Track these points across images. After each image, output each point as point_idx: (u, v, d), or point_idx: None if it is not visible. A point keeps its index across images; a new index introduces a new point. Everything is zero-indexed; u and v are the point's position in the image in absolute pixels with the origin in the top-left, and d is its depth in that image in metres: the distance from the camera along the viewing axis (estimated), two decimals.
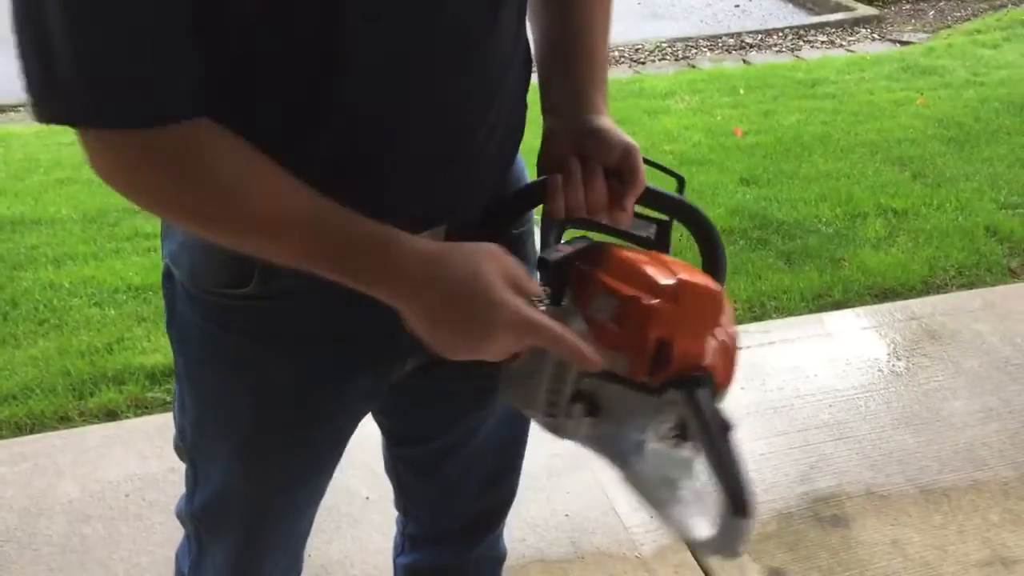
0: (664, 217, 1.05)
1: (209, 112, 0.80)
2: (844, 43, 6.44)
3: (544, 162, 1.01)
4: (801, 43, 6.48)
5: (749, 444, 2.32)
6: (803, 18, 6.96)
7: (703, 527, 0.86)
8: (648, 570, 1.98)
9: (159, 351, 2.66)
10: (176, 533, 2.01)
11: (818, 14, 7.06)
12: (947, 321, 2.82)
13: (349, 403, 1.09)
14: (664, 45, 6.48)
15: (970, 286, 3.07)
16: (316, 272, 0.84)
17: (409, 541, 1.45)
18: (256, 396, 1.04)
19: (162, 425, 2.38)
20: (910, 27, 6.78)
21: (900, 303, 2.95)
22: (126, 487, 2.18)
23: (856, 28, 6.76)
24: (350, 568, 1.97)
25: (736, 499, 0.81)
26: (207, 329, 1.01)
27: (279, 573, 1.26)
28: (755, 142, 4.27)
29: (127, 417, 2.44)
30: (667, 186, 1.05)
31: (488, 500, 1.35)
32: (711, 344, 0.88)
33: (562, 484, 2.18)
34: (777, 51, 6.33)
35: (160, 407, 2.48)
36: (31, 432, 2.39)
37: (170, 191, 0.81)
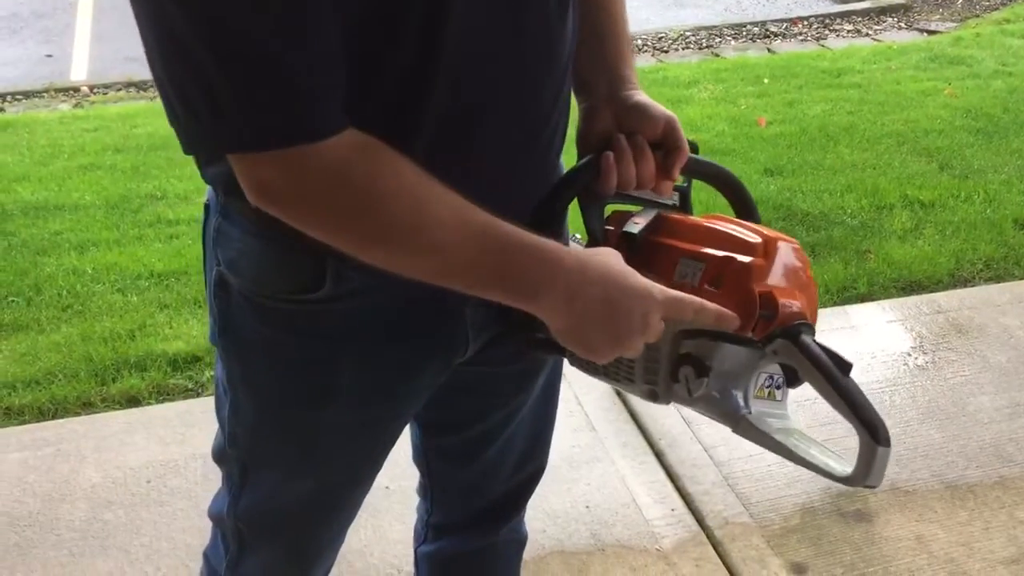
0: (681, 183, 1.08)
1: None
2: (871, 32, 6.37)
3: (586, 140, 1.02)
4: (827, 32, 6.41)
5: None
6: (829, 7, 6.88)
7: (835, 464, 0.92)
8: (668, 563, 1.96)
9: (181, 338, 2.67)
10: (199, 520, 2.04)
11: (845, 3, 6.99)
12: (974, 315, 2.79)
13: (412, 399, 1.09)
14: (688, 34, 6.43)
15: (998, 280, 3.02)
16: (476, 289, 0.87)
17: (432, 530, 1.44)
18: (321, 399, 1.03)
19: (184, 412, 2.39)
20: (938, 16, 6.69)
21: (926, 296, 2.92)
22: (147, 473, 2.19)
23: (883, 17, 6.68)
24: (369, 557, 1.97)
25: (874, 429, 0.86)
26: (272, 335, 1.00)
27: (325, 567, 1.26)
28: (779, 132, 4.23)
29: (149, 403, 2.45)
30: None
31: (518, 478, 1.35)
32: (802, 295, 0.92)
33: (582, 475, 2.17)
34: (802, 40, 6.27)
35: (181, 394, 2.48)
36: (54, 417, 2.40)
37: (367, 205, 0.80)
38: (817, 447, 0.95)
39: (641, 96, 1.02)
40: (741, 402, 0.95)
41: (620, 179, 0.98)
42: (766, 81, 5.03)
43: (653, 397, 0.99)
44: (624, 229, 1.03)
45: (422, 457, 1.36)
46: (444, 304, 0.97)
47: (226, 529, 1.22)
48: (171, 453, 2.24)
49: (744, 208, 1.09)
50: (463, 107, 0.88)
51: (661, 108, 1.01)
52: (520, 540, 1.50)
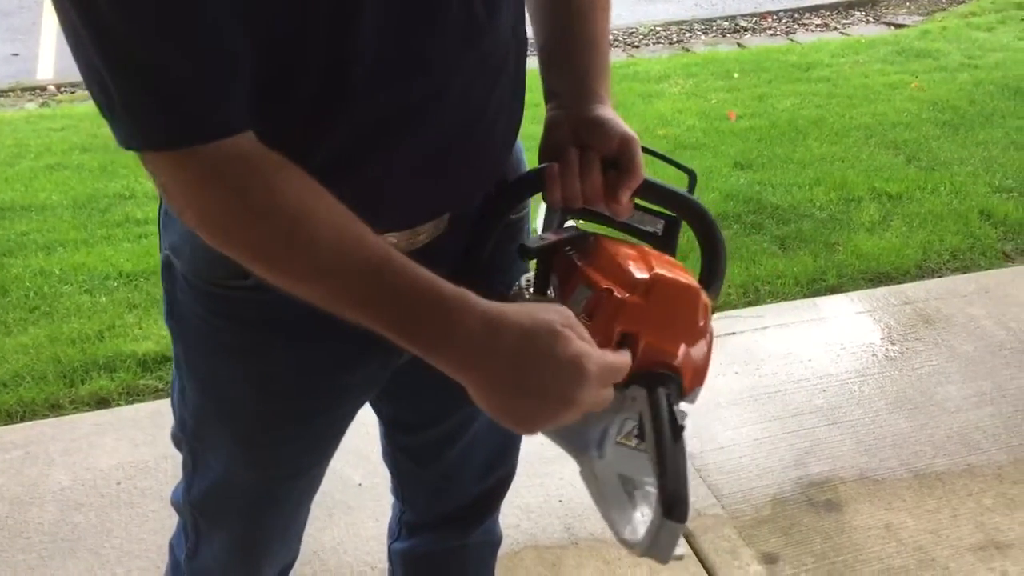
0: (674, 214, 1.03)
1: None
2: (839, 26, 6.42)
3: (544, 150, 1.01)
4: (796, 26, 6.46)
5: (743, 429, 2.31)
6: (798, 1, 6.93)
7: (640, 529, 0.85)
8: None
9: (150, 338, 2.65)
10: (169, 521, 2.01)
11: None
12: (941, 305, 2.82)
13: (351, 393, 1.09)
14: (658, 28, 6.45)
15: (964, 270, 3.06)
16: (375, 328, 0.81)
17: (405, 528, 1.44)
18: (258, 386, 1.03)
19: (154, 412, 2.37)
20: (905, 10, 6.76)
21: (894, 287, 2.94)
22: (118, 475, 2.17)
23: (851, 11, 6.74)
24: (343, 555, 1.96)
25: (670, 502, 0.78)
26: (209, 320, 1.00)
27: (278, 560, 1.26)
28: (749, 126, 4.26)
29: (118, 405, 2.42)
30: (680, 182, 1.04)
31: (486, 483, 1.35)
32: (682, 344, 0.86)
33: (555, 470, 2.18)
34: (771, 34, 6.31)
35: (152, 394, 2.46)
36: (22, 420, 2.37)
37: (233, 217, 0.78)
38: (648, 508, 0.87)
39: (603, 111, 0.99)
40: (594, 444, 0.89)
41: (565, 193, 0.96)
42: (736, 75, 5.05)
43: None
44: (521, 242, 1.00)
45: (388, 455, 1.37)
46: None
47: (185, 517, 1.22)
48: (141, 454, 2.23)
49: (706, 246, 1.02)
50: (381, 109, 0.86)
51: (619, 125, 0.98)
52: (494, 541, 1.50)
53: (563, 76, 1.02)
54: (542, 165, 0.99)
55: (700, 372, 0.88)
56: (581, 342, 0.78)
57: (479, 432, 1.25)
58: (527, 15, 1.02)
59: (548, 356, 0.77)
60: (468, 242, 1.02)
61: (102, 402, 2.44)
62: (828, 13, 6.70)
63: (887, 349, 2.63)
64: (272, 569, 1.27)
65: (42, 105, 5.37)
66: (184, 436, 1.14)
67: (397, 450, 1.34)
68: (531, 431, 0.82)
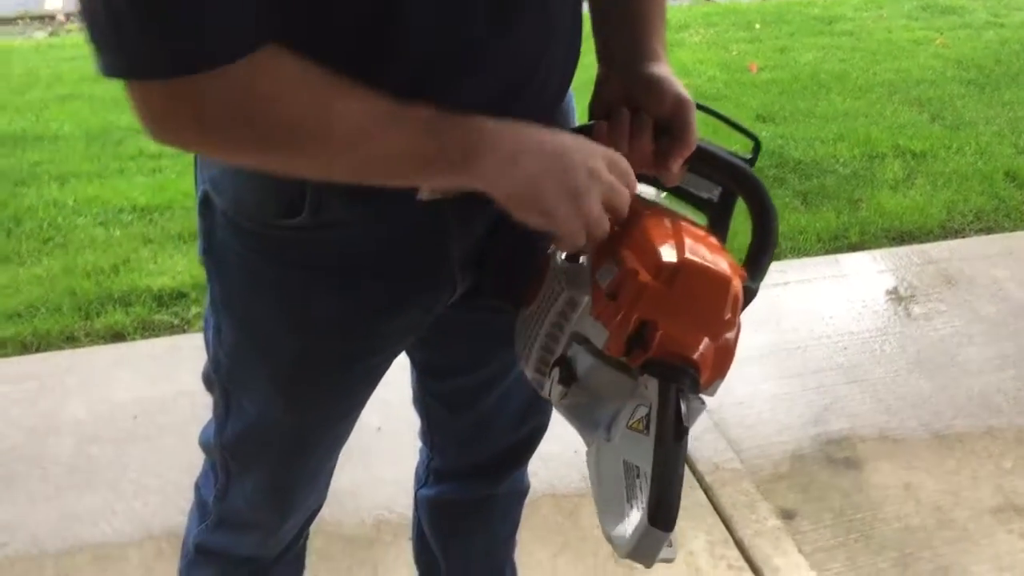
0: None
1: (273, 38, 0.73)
2: None
3: (595, 107, 0.96)
4: None
5: (763, 384, 2.30)
6: None
7: (629, 528, 0.81)
8: None
9: (166, 273, 2.62)
10: (186, 456, 2.00)
11: None
12: (964, 266, 2.79)
13: (392, 338, 1.06)
14: None
15: (988, 231, 3.03)
16: (408, 176, 0.81)
17: (433, 475, 1.43)
18: (299, 328, 1.00)
19: (170, 347, 2.35)
20: None
21: (917, 247, 2.91)
22: (134, 409, 2.16)
23: None
24: (360, 498, 1.96)
25: (656, 508, 0.75)
26: (249, 258, 0.96)
27: (307, 505, 1.25)
28: (771, 78, 4.19)
29: (134, 339, 2.41)
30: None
31: (518, 434, 1.33)
32: (704, 336, 0.82)
33: None
34: None
35: (167, 330, 2.45)
36: (37, 351, 2.36)
37: (254, 130, 0.75)
38: (633, 508, 0.82)
39: (658, 69, 0.93)
40: (603, 425, 0.86)
41: None
42: (757, 27, 4.96)
43: (540, 388, 0.94)
44: None
45: (420, 401, 1.35)
46: (428, 242, 0.94)
47: (215, 458, 1.20)
48: (159, 389, 2.21)
49: (757, 224, 0.96)
50: (437, 42, 0.82)
51: (675, 87, 0.92)
52: (522, 491, 1.48)
53: (616, 31, 0.97)
54: (591, 122, 0.94)
55: (721, 366, 0.83)
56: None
57: (514, 382, 1.23)
58: None
59: (564, 138, 0.84)
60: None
61: (117, 336, 2.42)
62: None
63: (909, 308, 2.61)
64: (301, 514, 1.26)
65: (51, 34, 5.29)
66: (218, 377, 1.11)
67: (429, 396, 1.32)
68: (568, 222, 0.83)
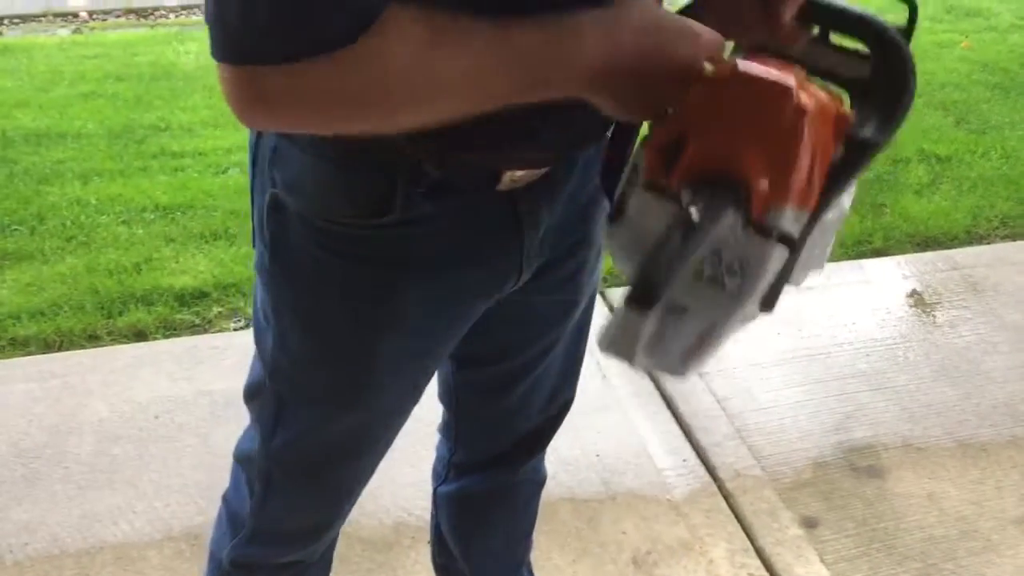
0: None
1: None
2: None
3: None
4: None
5: (785, 391, 2.28)
6: None
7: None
8: (679, 513, 1.96)
9: (187, 273, 2.63)
10: (208, 458, 2.02)
11: None
12: (990, 273, 2.76)
13: (461, 328, 1.06)
14: None
15: (1014, 237, 2.99)
16: (511, 90, 0.74)
17: (454, 469, 1.42)
18: (379, 327, 1.00)
19: (191, 347, 2.36)
20: None
21: (942, 252, 2.89)
22: (156, 408, 2.17)
23: None
24: (380, 500, 1.95)
25: (638, 283, 0.67)
26: (329, 260, 0.95)
27: (352, 504, 1.24)
28: None
29: (156, 339, 2.42)
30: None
31: (546, 416, 1.33)
32: (752, 149, 0.70)
33: (593, 423, 2.16)
34: None
35: (188, 330, 2.45)
36: (60, 350, 2.37)
37: (372, 112, 0.72)
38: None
39: None
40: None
41: (721, 19, 0.84)
42: None
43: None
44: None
45: (451, 393, 1.33)
46: (505, 231, 0.95)
47: (252, 470, 1.19)
48: (179, 389, 2.22)
49: (889, 67, 0.83)
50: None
51: None
52: (539, 481, 1.48)
53: None
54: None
55: (783, 186, 0.70)
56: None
57: (550, 365, 1.23)
58: None
59: (662, 10, 0.77)
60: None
61: (139, 335, 2.43)
62: None
63: (933, 315, 2.58)
64: (344, 515, 1.25)
65: (74, 32, 5.32)
66: (274, 385, 1.09)
67: (464, 386, 1.30)
68: (669, 91, 0.75)
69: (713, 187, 0.69)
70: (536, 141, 0.88)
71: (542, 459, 1.46)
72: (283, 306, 1.02)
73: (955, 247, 2.92)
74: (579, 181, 1.01)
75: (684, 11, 0.88)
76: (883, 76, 0.83)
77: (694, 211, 0.69)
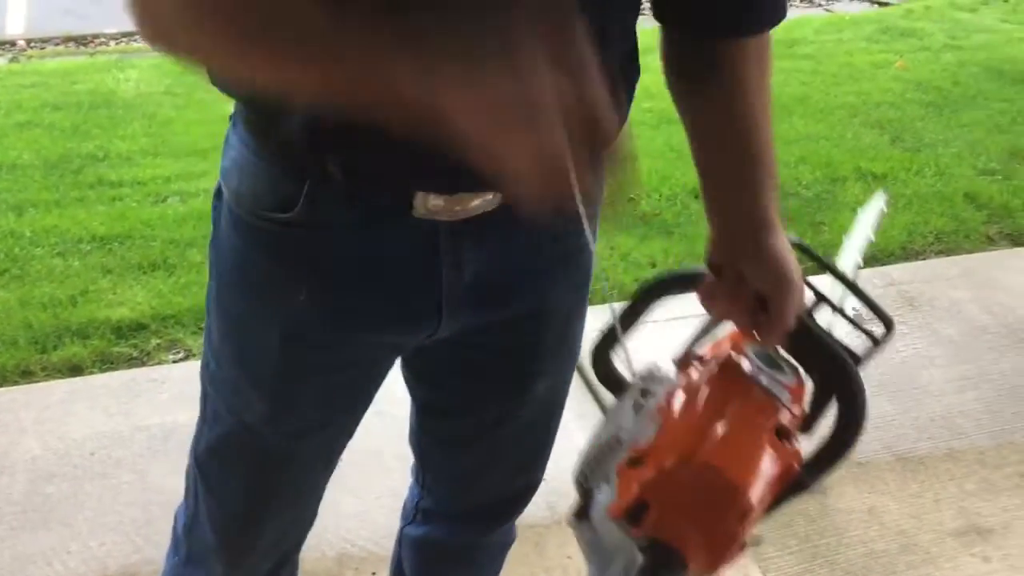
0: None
1: None
2: (823, 2, 6.40)
3: (708, 261, 0.98)
4: None
5: None
6: None
7: None
8: None
9: (125, 304, 2.59)
10: (144, 494, 1.98)
11: None
12: (925, 288, 2.82)
13: (370, 355, 1.05)
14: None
15: (948, 253, 3.06)
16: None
17: (422, 514, 1.40)
18: (283, 329, 0.99)
19: (129, 381, 2.32)
20: None
21: (879, 269, 2.94)
22: (91, 445, 2.12)
23: None
24: (323, 532, 1.91)
25: None
26: (244, 253, 0.96)
27: (281, 538, 1.21)
28: None
29: (92, 372, 2.37)
30: None
31: (513, 487, 1.31)
32: (699, 537, 0.83)
33: None
34: None
35: (126, 362, 2.41)
36: None
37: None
38: None
39: (769, 241, 0.93)
40: (603, 569, 0.89)
41: (715, 308, 0.95)
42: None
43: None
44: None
45: (416, 439, 1.32)
46: (417, 265, 0.93)
47: (189, 479, 1.17)
48: (116, 424, 2.18)
49: (841, 421, 0.96)
50: None
51: (779, 265, 0.93)
52: (508, 542, 1.46)
53: (726, 193, 0.97)
54: (701, 270, 0.96)
55: (713, 564, 0.84)
56: None
57: (516, 432, 1.21)
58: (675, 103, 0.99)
59: None
60: (603, 331, 1.02)
61: (75, 369, 2.38)
62: None
63: (871, 331, 2.62)
64: (270, 545, 1.20)
65: (11, 60, 5.23)
66: (202, 380, 1.10)
67: (426, 435, 1.29)
68: None
69: (660, 552, 0.82)
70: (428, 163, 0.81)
71: (513, 523, 1.43)
72: (212, 296, 1.03)
73: (891, 263, 2.97)
74: (525, 242, 0.98)
75: (682, 281, 0.99)
76: (838, 421, 0.96)
77: (641, 558, 0.83)
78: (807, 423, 0.95)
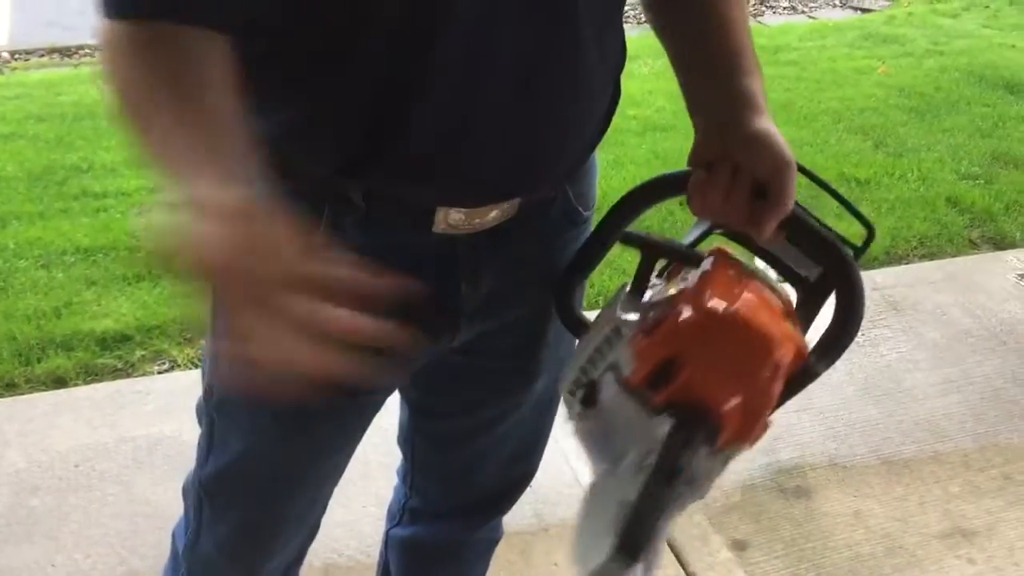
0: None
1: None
2: (806, 9, 6.42)
3: (695, 160, 0.95)
4: (763, 8, 6.44)
5: None
6: None
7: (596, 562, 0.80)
8: None
9: (109, 316, 2.58)
10: (129, 506, 1.97)
11: None
12: (909, 292, 2.83)
13: (393, 374, 1.05)
14: (627, 8, 6.41)
15: (931, 257, 3.08)
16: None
17: (408, 514, 1.40)
18: None
19: (113, 392, 2.31)
20: None
21: (863, 273, 2.90)
22: (75, 457, 2.11)
23: None
24: None
25: (627, 533, 0.76)
26: None
27: (288, 549, 1.21)
28: None
29: (76, 384, 2.36)
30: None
31: (504, 480, 1.32)
32: (734, 394, 0.80)
33: None
34: None
35: (111, 374, 2.40)
36: None
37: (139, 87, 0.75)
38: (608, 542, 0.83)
39: (760, 125, 0.91)
40: (611, 459, 0.86)
41: (706, 206, 0.91)
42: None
43: (567, 407, 0.93)
44: (629, 229, 0.96)
45: (407, 439, 1.33)
46: (439, 281, 0.94)
47: (189, 499, 1.17)
48: (100, 436, 2.17)
49: (841, 304, 0.93)
50: (460, 79, 0.83)
51: (775, 147, 0.90)
52: (495, 539, 1.46)
53: (711, 87, 0.95)
54: (689, 169, 0.93)
55: (746, 429, 0.81)
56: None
57: (506, 430, 1.21)
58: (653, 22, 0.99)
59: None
60: (585, 241, 0.99)
61: (59, 381, 2.36)
62: None
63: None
64: (281, 557, 1.22)
65: None
66: (207, 406, 1.09)
67: (418, 435, 1.29)
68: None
69: (690, 413, 0.78)
70: (456, 178, 0.88)
71: (500, 520, 1.43)
72: (218, 320, 1.02)
73: (875, 268, 2.99)
74: (532, 247, 1.00)
75: (671, 182, 0.96)
76: (837, 310, 0.93)
77: (662, 425, 0.79)
78: (806, 320, 0.93)
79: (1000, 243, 3.17)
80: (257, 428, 1.06)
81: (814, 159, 3.66)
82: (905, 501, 2.09)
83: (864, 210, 3.36)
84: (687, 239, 0.97)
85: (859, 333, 2.41)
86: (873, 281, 2.89)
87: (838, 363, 2.59)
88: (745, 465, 2.17)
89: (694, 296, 0.83)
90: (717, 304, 0.81)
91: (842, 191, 3.44)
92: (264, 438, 1.07)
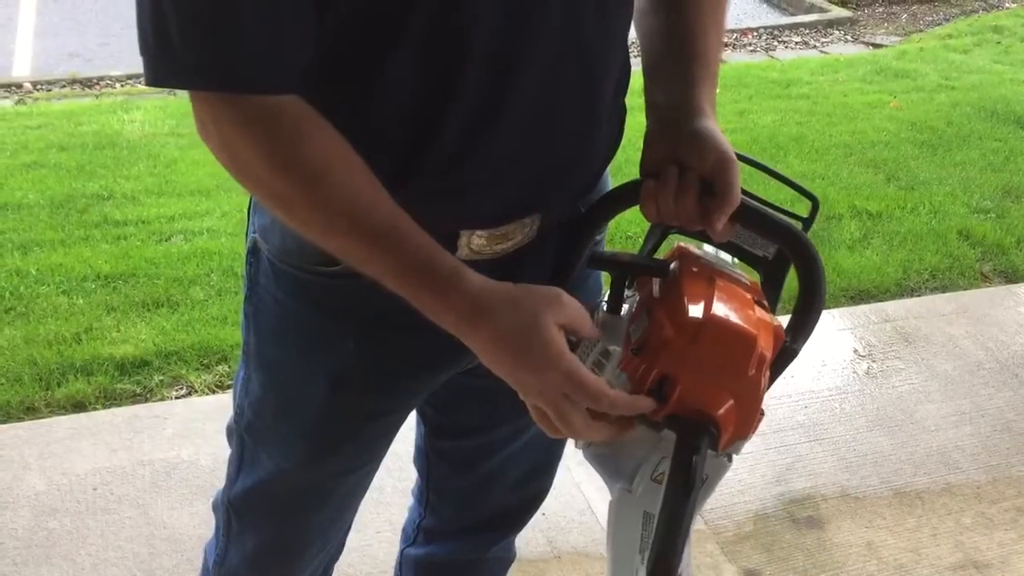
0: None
1: (323, 100, 0.81)
2: (818, 44, 6.47)
3: (644, 165, 0.98)
4: (776, 43, 6.50)
5: None
6: (777, 18, 6.98)
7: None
8: None
9: (128, 342, 2.61)
10: (147, 529, 2.00)
11: (792, 15, 7.09)
12: (921, 324, 2.84)
13: (413, 393, 1.10)
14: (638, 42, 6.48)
15: (943, 289, 3.09)
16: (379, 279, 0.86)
17: (423, 533, 1.42)
18: (330, 378, 1.03)
19: (131, 417, 2.34)
20: (883, 30, 6.83)
21: (875, 305, 2.97)
22: (94, 480, 2.14)
23: (830, 29, 6.79)
24: None
25: (656, 559, 0.78)
26: (289, 305, 1.00)
27: (316, 561, 1.24)
28: (730, 141, 4.21)
29: (95, 409, 2.39)
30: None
31: (518, 498, 1.34)
32: (726, 395, 0.83)
33: None
34: (751, 51, 6.35)
35: (129, 399, 2.43)
36: None
37: (260, 166, 0.81)
38: (639, 559, 0.87)
39: (702, 124, 0.94)
40: (626, 476, 0.88)
41: (660, 211, 0.93)
42: (717, 90, 5.08)
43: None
44: (595, 250, 0.99)
45: (423, 459, 1.35)
46: None
47: (219, 516, 1.20)
48: (118, 460, 2.19)
49: (804, 285, 0.95)
50: (483, 102, 0.86)
51: (717, 143, 0.92)
52: (509, 559, 1.49)
53: (664, 89, 0.98)
54: (638, 179, 0.96)
55: (745, 426, 0.85)
56: (563, 348, 0.83)
57: (523, 448, 1.25)
58: (635, 28, 1.01)
59: (526, 352, 0.84)
60: (558, 253, 1.02)
61: (78, 406, 2.40)
62: (808, 31, 6.76)
63: (868, 366, 2.65)
64: (310, 570, 1.25)
65: (18, 102, 5.29)
66: (237, 428, 1.13)
67: (434, 454, 1.32)
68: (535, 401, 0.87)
69: (691, 425, 0.82)
70: (473, 199, 0.92)
71: (512, 539, 1.46)
72: (250, 349, 1.06)
73: (887, 300, 3.00)
74: (546, 272, 1.02)
75: (624, 194, 0.98)
76: (801, 283, 0.95)
77: (668, 439, 0.83)
78: (772, 298, 0.97)
79: (1012, 276, 3.18)
80: (286, 449, 1.09)
81: (826, 192, 3.69)
82: (917, 532, 2.09)
83: (876, 243, 3.38)
84: (646, 247, 1.01)
85: (872, 362, 2.41)
86: (885, 313, 2.91)
87: (850, 394, 2.59)
88: (758, 494, 2.18)
89: (670, 309, 0.86)
90: (695, 312, 0.84)
91: (854, 224, 3.47)
92: (293, 458, 1.09)
